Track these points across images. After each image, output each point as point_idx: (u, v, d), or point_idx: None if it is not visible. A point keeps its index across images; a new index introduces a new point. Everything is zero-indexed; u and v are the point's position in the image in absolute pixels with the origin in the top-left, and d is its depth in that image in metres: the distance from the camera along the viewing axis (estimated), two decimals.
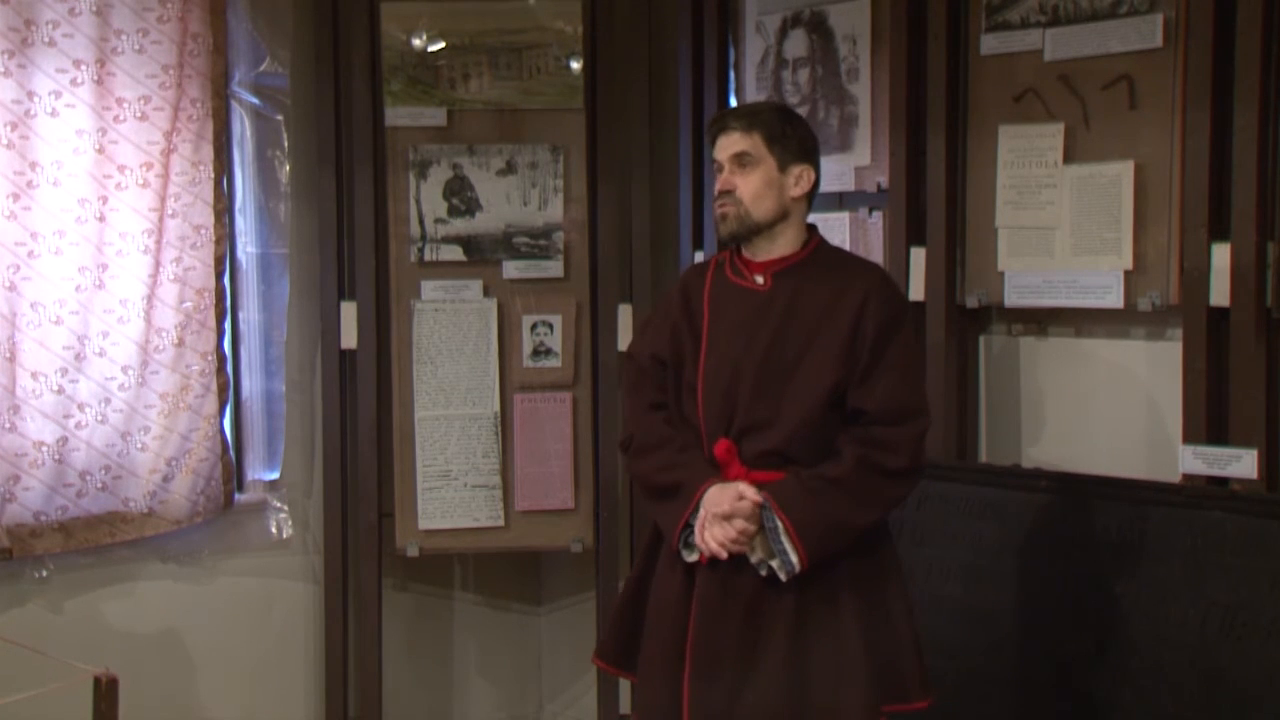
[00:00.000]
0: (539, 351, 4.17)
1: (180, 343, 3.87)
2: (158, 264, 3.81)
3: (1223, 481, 3.16)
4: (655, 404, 2.93)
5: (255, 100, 4.09)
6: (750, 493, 2.71)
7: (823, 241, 2.93)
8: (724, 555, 2.72)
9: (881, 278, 2.89)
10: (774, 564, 2.73)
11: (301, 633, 4.25)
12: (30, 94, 3.59)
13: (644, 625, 2.94)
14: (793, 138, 2.84)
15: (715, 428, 2.81)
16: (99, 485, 3.76)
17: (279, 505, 4.16)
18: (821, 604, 2.76)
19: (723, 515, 2.71)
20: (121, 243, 3.75)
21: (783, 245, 2.86)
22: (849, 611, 2.76)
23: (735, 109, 3.02)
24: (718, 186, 2.86)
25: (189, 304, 3.88)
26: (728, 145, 2.84)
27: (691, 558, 2.80)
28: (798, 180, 2.84)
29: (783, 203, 2.83)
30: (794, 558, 2.69)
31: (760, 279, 2.86)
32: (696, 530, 2.76)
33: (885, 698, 2.77)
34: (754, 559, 2.74)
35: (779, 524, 2.69)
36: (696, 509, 2.76)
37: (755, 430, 2.78)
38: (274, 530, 4.15)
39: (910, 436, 2.75)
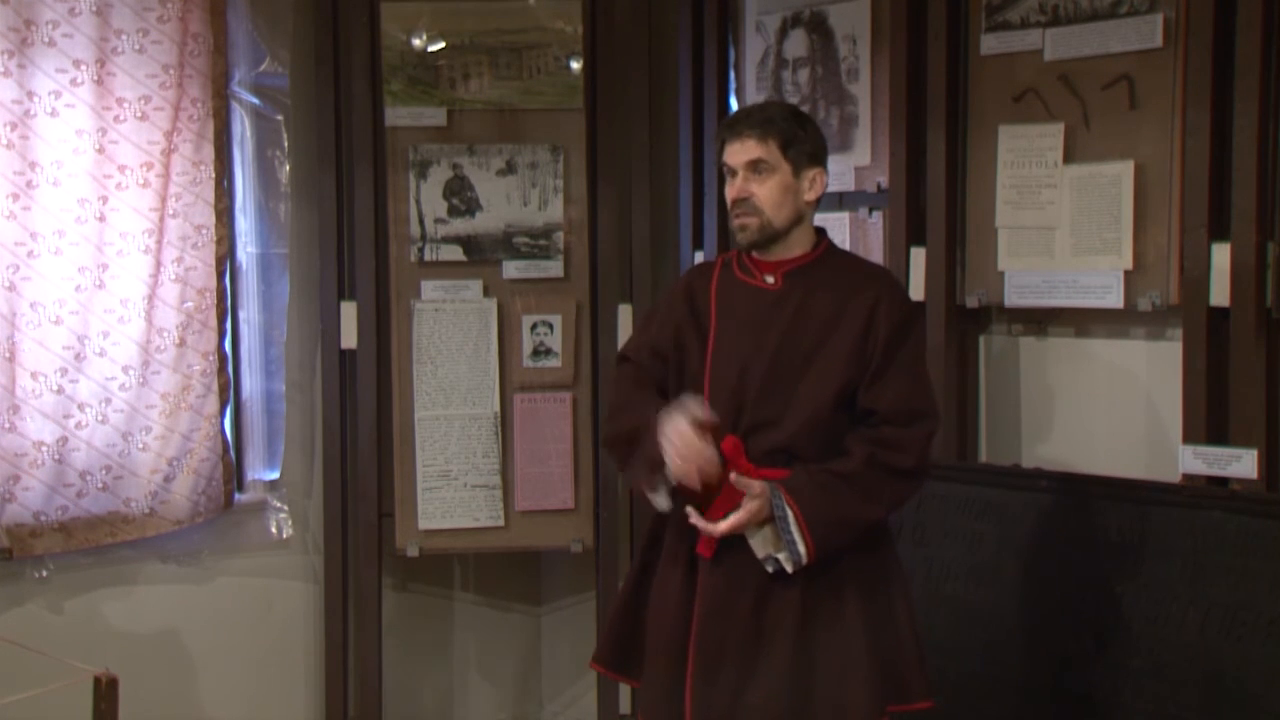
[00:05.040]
0: (539, 351, 4.17)
1: (181, 343, 3.87)
2: (159, 264, 3.81)
3: (1223, 481, 3.16)
4: (636, 380, 2.95)
5: (255, 100, 4.09)
6: (694, 405, 2.70)
7: (831, 243, 2.93)
8: (679, 463, 2.68)
9: (892, 281, 2.90)
10: (781, 556, 2.73)
11: (301, 633, 4.25)
12: (30, 94, 3.60)
13: (643, 629, 2.93)
14: (806, 141, 2.82)
15: (722, 424, 2.80)
16: (99, 485, 3.76)
17: (279, 505, 4.16)
18: (825, 603, 2.76)
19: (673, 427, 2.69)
20: (122, 242, 3.75)
21: (795, 246, 2.86)
22: (853, 611, 2.76)
23: (748, 113, 2.90)
24: (732, 194, 2.82)
25: (190, 304, 3.88)
26: (742, 151, 2.80)
27: (663, 505, 2.80)
28: (811, 184, 2.83)
29: (798, 208, 2.83)
30: (802, 548, 2.69)
31: (770, 278, 2.86)
32: (667, 458, 2.72)
33: (889, 697, 2.78)
34: (760, 554, 2.74)
35: (789, 512, 2.69)
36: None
37: (763, 428, 2.78)
38: (274, 530, 4.15)
39: (919, 437, 2.77)
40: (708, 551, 2.79)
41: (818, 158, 2.85)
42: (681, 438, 2.69)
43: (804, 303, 2.81)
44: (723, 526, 2.72)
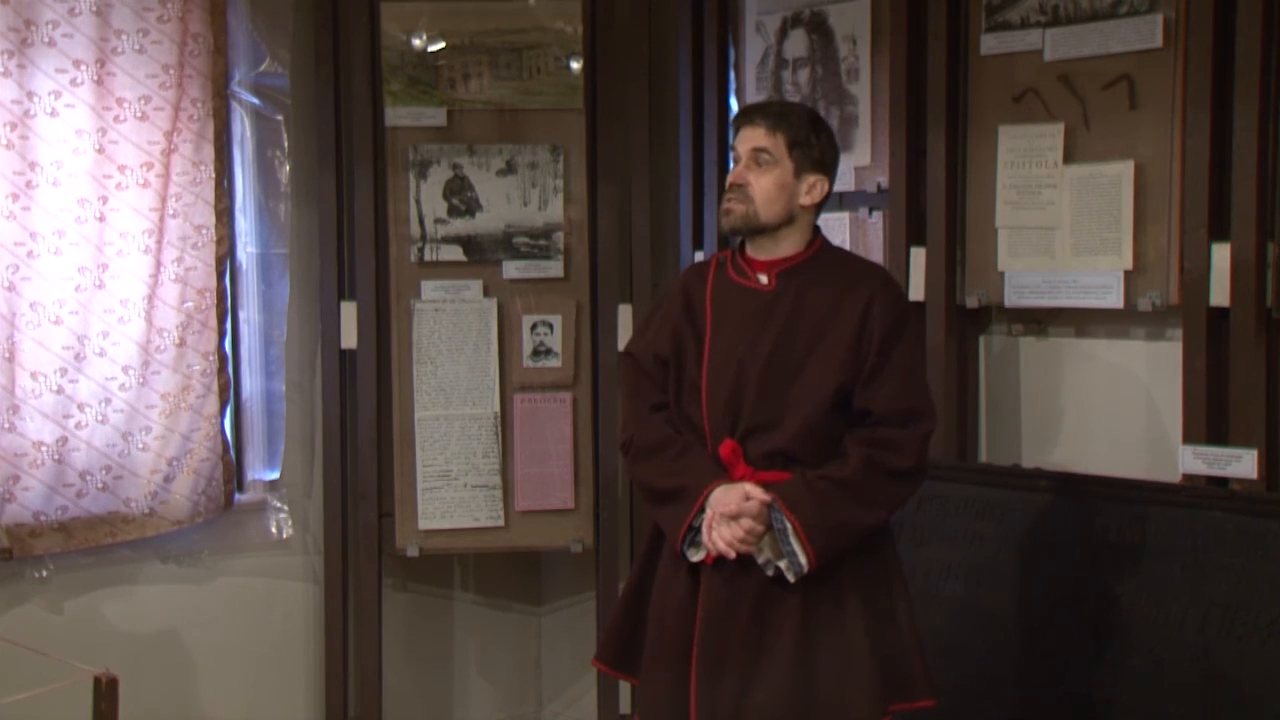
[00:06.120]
0: (539, 351, 4.17)
1: (181, 343, 3.87)
2: (159, 264, 3.81)
3: (1223, 481, 3.16)
4: (656, 405, 2.92)
5: (255, 100, 4.09)
6: (757, 493, 2.71)
7: (826, 242, 2.92)
8: (731, 555, 2.72)
9: (886, 279, 2.89)
10: (782, 565, 2.73)
11: (301, 633, 4.25)
12: (30, 94, 3.59)
13: (645, 627, 2.94)
14: (815, 147, 2.83)
15: (720, 428, 2.81)
16: (99, 485, 3.76)
17: (279, 505, 4.16)
18: (827, 603, 2.76)
19: (730, 515, 2.71)
20: (122, 242, 3.75)
21: (786, 246, 2.86)
22: (854, 611, 2.77)
23: (767, 104, 3.01)
24: (730, 178, 2.84)
25: (190, 304, 3.88)
26: (750, 139, 2.82)
27: (697, 557, 2.80)
28: (810, 189, 2.83)
29: (791, 208, 2.83)
30: (803, 558, 2.70)
31: (764, 278, 2.86)
32: (704, 531, 2.75)
33: (892, 696, 2.78)
34: (761, 559, 2.75)
35: (788, 525, 2.69)
36: (701, 511, 2.76)
37: (761, 431, 2.78)
38: (274, 530, 4.15)
39: (916, 437, 2.76)
40: (708, 557, 2.79)
41: (823, 166, 2.85)
42: (742, 540, 2.71)
43: (798, 303, 2.80)
44: (721, 546, 2.73)
